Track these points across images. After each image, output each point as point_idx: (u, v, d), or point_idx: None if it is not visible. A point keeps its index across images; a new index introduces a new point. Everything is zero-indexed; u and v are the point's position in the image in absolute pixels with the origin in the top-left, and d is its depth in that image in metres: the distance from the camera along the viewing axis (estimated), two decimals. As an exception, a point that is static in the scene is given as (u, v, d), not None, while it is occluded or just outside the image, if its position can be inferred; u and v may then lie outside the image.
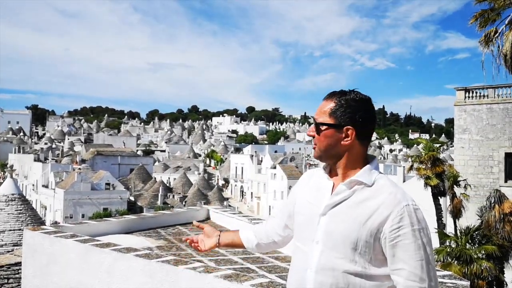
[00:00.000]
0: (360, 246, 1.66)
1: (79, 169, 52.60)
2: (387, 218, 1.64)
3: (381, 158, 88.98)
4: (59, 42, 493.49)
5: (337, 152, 1.77)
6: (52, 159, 67.78)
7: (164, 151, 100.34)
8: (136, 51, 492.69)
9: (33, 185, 59.43)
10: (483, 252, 15.83)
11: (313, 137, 1.81)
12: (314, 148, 1.83)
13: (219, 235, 2.18)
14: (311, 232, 1.77)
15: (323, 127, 1.76)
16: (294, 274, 1.82)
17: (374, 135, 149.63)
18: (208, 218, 6.95)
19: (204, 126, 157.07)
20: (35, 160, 65.26)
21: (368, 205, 1.68)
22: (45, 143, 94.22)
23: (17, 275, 8.13)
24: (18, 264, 5.71)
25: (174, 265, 3.61)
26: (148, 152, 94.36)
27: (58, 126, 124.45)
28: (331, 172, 1.84)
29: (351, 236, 1.66)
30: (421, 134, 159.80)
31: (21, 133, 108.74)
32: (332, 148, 1.77)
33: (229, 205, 53.67)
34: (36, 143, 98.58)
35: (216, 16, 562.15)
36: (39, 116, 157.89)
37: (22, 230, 7.23)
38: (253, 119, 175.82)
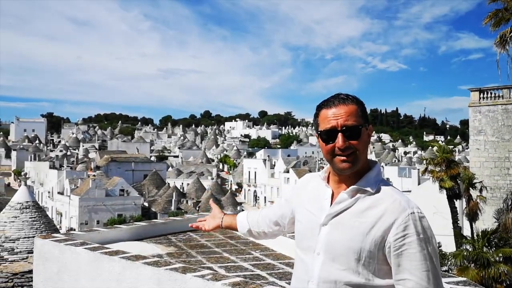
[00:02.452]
0: (364, 257, 1.59)
1: (94, 175, 53.12)
2: (391, 226, 1.57)
3: (395, 160, 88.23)
4: (72, 51, 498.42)
5: (364, 155, 1.69)
6: (67, 166, 68.63)
7: (177, 156, 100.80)
8: (147, 57, 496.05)
9: (48, 192, 60.14)
10: (500, 255, 15.58)
11: (348, 146, 1.63)
12: (346, 160, 1.64)
13: (222, 218, 2.22)
14: (312, 243, 1.70)
15: (363, 129, 1.66)
16: (296, 285, 1.78)
17: (388, 138, 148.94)
18: (219, 224, 6.90)
19: (217, 131, 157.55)
20: (50, 168, 66.05)
21: (372, 214, 1.61)
22: (60, 151, 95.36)
23: (31, 283, 8.18)
24: (32, 271, 5.74)
25: (182, 272, 3.59)
26: (161, 158, 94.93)
27: (73, 134, 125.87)
28: (328, 179, 1.78)
29: (354, 247, 1.59)
30: (436, 136, 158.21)
31: (37, 141, 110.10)
32: (365, 150, 1.69)
33: (243, 210, 53.57)
34: (51, 151, 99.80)
35: (226, 21, 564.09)
36: (54, 124, 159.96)
37: (35, 238, 7.26)
38: (265, 123, 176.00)
